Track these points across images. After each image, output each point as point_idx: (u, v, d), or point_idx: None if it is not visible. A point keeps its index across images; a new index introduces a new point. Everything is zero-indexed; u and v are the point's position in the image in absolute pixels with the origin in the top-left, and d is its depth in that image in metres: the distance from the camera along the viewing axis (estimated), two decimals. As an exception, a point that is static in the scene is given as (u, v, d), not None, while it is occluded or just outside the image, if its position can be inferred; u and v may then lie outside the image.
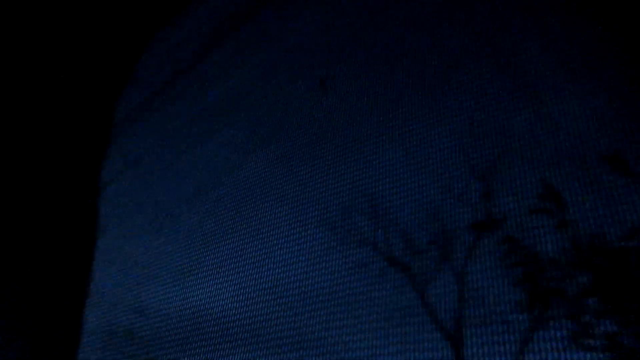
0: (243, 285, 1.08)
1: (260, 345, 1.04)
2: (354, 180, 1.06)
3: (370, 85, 1.07)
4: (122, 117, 1.24)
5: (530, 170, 1.00)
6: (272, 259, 1.07)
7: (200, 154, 1.15)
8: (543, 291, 0.93)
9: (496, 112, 1.03)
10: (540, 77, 1.02)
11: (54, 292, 1.14)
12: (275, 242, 1.07)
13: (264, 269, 1.08)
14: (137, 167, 1.20)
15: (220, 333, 1.07)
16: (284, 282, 1.05)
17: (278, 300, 1.04)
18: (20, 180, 1.09)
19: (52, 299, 1.14)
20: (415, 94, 1.07)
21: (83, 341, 1.18)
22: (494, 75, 1.03)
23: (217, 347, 1.06)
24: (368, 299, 1.01)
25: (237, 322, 1.06)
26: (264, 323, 1.05)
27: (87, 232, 1.16)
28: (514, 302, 0.93)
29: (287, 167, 1.09)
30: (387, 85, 1.07)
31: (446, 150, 1.04)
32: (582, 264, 0.91)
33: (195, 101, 1.16)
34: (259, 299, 1.06)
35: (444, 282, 1.01)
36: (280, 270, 1.06)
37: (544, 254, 0.94)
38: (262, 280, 1.07)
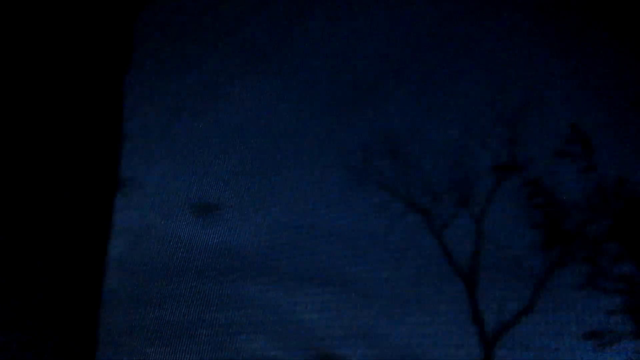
0: (262, 222, 1.09)
1: (277, 279, 1.04)
2: (375, 122, 1.05)
3: (391, 25, 1.05)
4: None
5: (558, 115, 0.96)
6: (292, 198, 1.07)
7: (222, 97, 1.16)
8: (562, 234, 0.90)
9: (524, 55, 1.00)
10: (572, 21, 0.98)
11: (76, 226, 1.17)
12: (295, 181, 1.07)
13: (283, 208, 1.08)
14: (156, 105, 1.22)
15: (240, 266, 1.08)
16: (302, 221, 1.05)
17: (296, 238, 1.05)
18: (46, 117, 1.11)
19: (75, 233, 1.17)
20: (439, 37, 1.05)
21: (108, 272, 1.22)
22: (522, 18, 1.00)
23: (237, 279, 1.07)
24: (385, 240, 1.00)
25: (256, 257, 1.07)
26: (282, 260, 1.05)
27: (108, 168, 1.19)
28: (531, 245, 0.91)
29: (308, 108, 1.09)
30: (409, 29, 1.05)
31: (470, 94, 1.02)
32: (604, 209, 0.88)
33: (217, 42, 1.16)
34: (277, 237, 1.06)
35: (462, 225, 0.99)
36: (299, 210, 1.07)
37: (566, 198, 0.91)
38: (280, 219, 1.08)
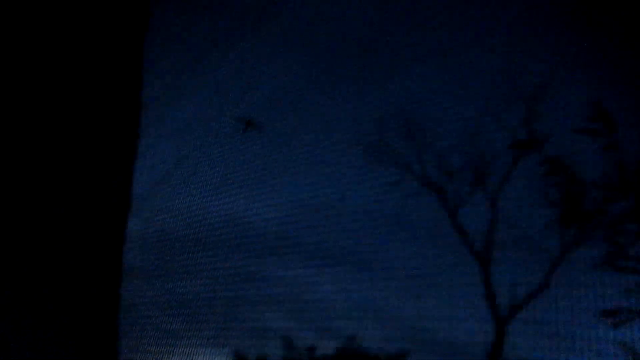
0: (277, 199, 1.09)
1: (291, 255, 1.05)
2: (390, 99, 1.03)
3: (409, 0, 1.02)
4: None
5: (578, 92, 0.93)
6: (307, 175, 1.07)
7: (231, 65, 1.15)
8: (580, 213, 0.88)
9: (544, 31, 0.97)
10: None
11: (95, 201, 1.18)
12: (310, 158, 1.07)
13: (297, 185, 1.08)
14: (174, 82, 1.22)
15: (254, 242, 1.08)
16: (317, 198, 1.05)
17: (310, 215, 1.04)
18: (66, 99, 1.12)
19: (94, 209, 1.18)
20: (457, 13, 1.02)
21: (126, 246, 1.24)
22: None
23: (251, 255, 1.08)
24: (399, 217, 0.99)
25: (270, 234, 1.07)
26: (297, 237, 1.05)
27: (128, 140, 1.19)
28: (548, 224, 0.89)
29: (324, 84, 1.07)
30: (428, 3, 1.02)
31: (489, 71, 0.99)
32: (624, 188, 0.85)
33: (226, 9, 1.15)
34: (291, 213, 1.06)
35: (476, 204, 0.97)
36: (314, 187, 1.06)
37: (585, 176, 0.89)
38: (295, 195, 1.07)
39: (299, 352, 0.98)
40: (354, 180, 1.02)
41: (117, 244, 1.25)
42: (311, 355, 0.97)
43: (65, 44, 1.07)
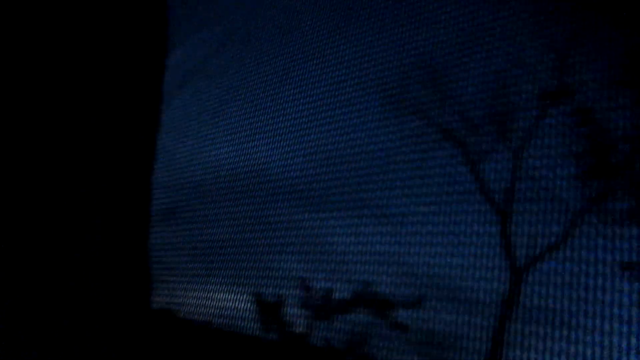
0: (297, 147, 1.07)
1: (309, 204, 1.04)
2: (414, 47, 0.99)
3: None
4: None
5: (612, 42, 0.88)
6: (327, 123, 1.05)
7: (260, 19, 1.12)
8: (606, 167, 0.84)
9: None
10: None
11: (122, 157, 1.18)
12: (330, 106, 1.04)
13: (317, 133, 1.06)
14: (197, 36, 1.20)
15: (273, 190, 1.08)
16: (337, 146, 1.03)
17: (330, 163, 1.03)
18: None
19: (121, 161, 1.19)
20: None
21: (154, 193, 1.25)
22: None
23: (270, 202, 1.08)
24: (419, 168, 0.97)
25: (289, 182, 1.07)
26: (315, 185, 1.04)
27: (153, 92, 1.19)
28: (572, 177, 0.85)
29: (346, 31, 1.04)
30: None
31: (518, 18, 0.93)
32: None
33: None
34: (311, 162, 1.05)
35: (499, 156, 0.94)
36: (333, 135, 1.04)
37: (616, 129, 0.84)
38: (315, 144, 1.06)
39: (315, 295, 0.99)
40: (375, 129, 1.00)
41: (145, 191, 1.27)
42: (327, 298, 0.97)
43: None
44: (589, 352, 0.67)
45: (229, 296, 1.07)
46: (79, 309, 1.05)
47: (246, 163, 1.13)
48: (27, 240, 1.05)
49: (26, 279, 1.00)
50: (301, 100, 1.07)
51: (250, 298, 1.05)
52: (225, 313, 1.06)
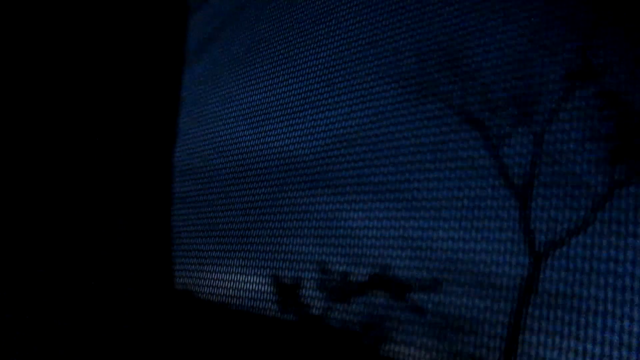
0: (316, 130, 1.06)
1: (329, 187, 1.03)
2: (433, 28, 0.96)
3: None
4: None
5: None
6: (345, 106, 1.03)
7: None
8: (632, 149, 0.80)
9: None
10: None
11: (143, 135, 1.18)
12: (348, 89, 1.02)
13: (336, 116, 1.04)
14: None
15: (292, 174, 1.07)
16: (356, 129, 1.01)
17: (349, 146, 1.01)
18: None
19: (141, 140, 1.19)
20: None
21: (175, 177, 1.26)
22: None
23: (290, 186, 1.07)
24: (437, 151, 0.95)
25: (308, 165, 1.05)
26: (334, 168, 1.03)
27: (172, 74, 1.18)
28: (595, 161, 0.82)
29: (363, 12, 1.01)
30: None
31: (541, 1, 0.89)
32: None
33: None
34: (330, 145, 1.04)
35: (520, 140, 0.91)
36: (352, 118, 1.02)
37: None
38: (334, 127, 1.04)
39: (332, 277, 0.98)
40: (393, 112, 0.98)
41: (166, 174, 1.27)
42: (344, 281, 0.97)
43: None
44: (609, 339, 0.65)
45: (247, 278, 1.08)
46: (106, 290, 1.06)
47: (264, 146, 1.12)
48: (53, 224, 1.06)
49: (52, 262, 1.01)
50: (319, 83, 1.05)
51: (268, 280, 1.05)
52: (244, 294, 1.07)
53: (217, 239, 1.22)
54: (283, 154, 1.07)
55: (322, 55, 1.05)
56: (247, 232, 1.12)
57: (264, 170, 1.10)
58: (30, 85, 1.01)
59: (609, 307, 0.66)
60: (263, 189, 1.10)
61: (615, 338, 0.65)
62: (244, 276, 1.09)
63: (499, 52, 0.95)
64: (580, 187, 0.82)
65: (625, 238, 0.71)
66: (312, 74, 1.07)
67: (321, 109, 1.05)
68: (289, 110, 1.09)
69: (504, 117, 0.93)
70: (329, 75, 1.04)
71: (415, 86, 0.99)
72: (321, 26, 1.04)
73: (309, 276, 1.00)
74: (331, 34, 1.05)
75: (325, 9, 1.04)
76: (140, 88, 1.19)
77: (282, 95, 1.10)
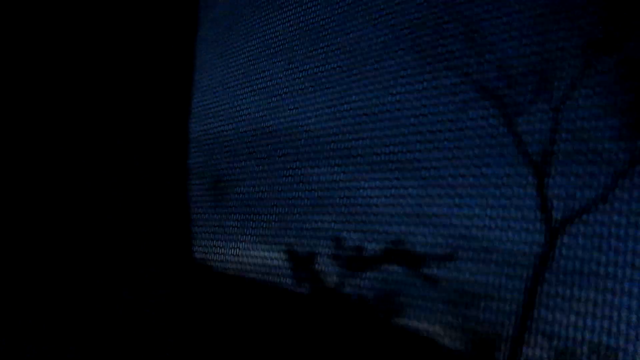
0: (329, 104, 1.04)
1: (343, 161, 1.01)
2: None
3: None
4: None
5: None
6: (359, 80, 1.00)
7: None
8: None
9: None
10: None
11: (158, 107, 1.17)
12: (362, 62, 0.99)
13: (349, 90, 1.02)
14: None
15: (306, 149, 1.06)
16: (369, 102, 0.99)
17: (363, 120, 0.99)
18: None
19: (157, 113, 1.17)
20: None
21: (191, 152, 1.25)
22: None
23: (304, 161, 1.06)
24: (453, 124, 0.92)
25: (322, 140, 1.04)
26: (348, 142, 1.01)
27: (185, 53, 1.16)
28: (616, 132, 0.78)
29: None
30: None
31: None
32: None
33: None
34: (344, 119, 1.01)
35: (538, 112, 0.88)
36: (366, 91, 0.99)
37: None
38: (347, 101, 1.01)
39: (347, 251, 0.98)
40: (409, 86, 0.95)
41: (183, 148, 1.26)
42: (359, 255, 0.96)
43: None
44: (624, 316, 0.63)
45: (263, 251, 1.08)
46: (124, 264, 1.07)
47: (280, 120, 1.11)
48: (72, 197, 1.06)
49: (72, 235, 1.02)
50: (334, 57, 1.02)
51: (283, 253, 1.05)
52: (259, 267, 1.07)
53: (232, 211, 1.22)
54: (299, 128, 1.06)
55: (338, 29, 1.01)
56: (262, 206, 1.12)
57: (280, 144, 1.09)
58: (39, 57, 1.00)
59: (626, 285, 0.65)
60: (279, 164, 1.09)
61: (626, 315, 0.64)
62: (259, 249, 1.09)
63: (517, 22, 0.90)
64: (599, 161, 0.79)
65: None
66: (328, 48, 1.04)
67: (338, 82, 1.02)
68: (304, 84, 1.07)
69: (521, 90, 0.89)
70: (346, 49, 1.00)
71: (430, 58, 0.95)
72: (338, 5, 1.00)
73: (324, 250, 0.99)
74: (346, 6, 1.01)
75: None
76: (155, 60, 1.17)
77: (298, 70, 1.08)
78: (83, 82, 1.07)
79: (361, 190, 0.99)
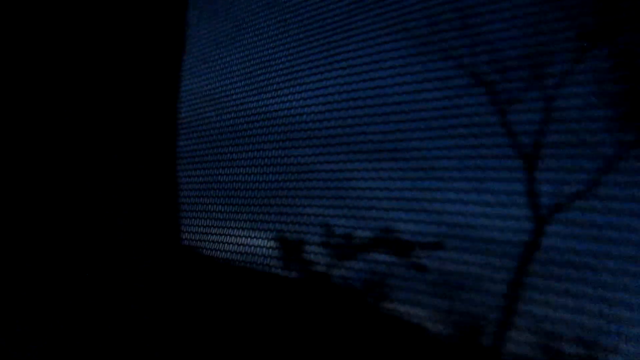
0: (320, 90, 1.02)
1: (335, 148, 1.00)
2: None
3: None
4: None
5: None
6: (351, 66, 0.98)
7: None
8: (643, 113, 0.76)
9: None
10: None
11: (148, 93, 1.14)
12: (354, 48, 0.98)
13: (342, 76, 1.00)
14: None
15: (297, 134, 1.04)
16: (362, 89, 0.97)
17: (355, 106, 0.98)
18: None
19: (147, 99, 1.15)
20: None
21: (180, 136, 1.23)
22: None
23: (295, 146, 1.04)
24: (444, 112, 0.91)
25: (314, 125, 1.02)
26: (340, 129, 1.00)
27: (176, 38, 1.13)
28: (607, 122, 0.78)
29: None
30: None
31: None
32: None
33: None
34: (336, 105, 1.00)
35: (530, 102, 0.87)
36: (358, 78, 0.98)
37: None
38: (339, 87, 1.00)
39: (337, 238, 0.97)
40: (401, 73, 0.93)
41: (171, 132, 1.24)
42: (348, 242, 0.96)
43: None
44: (606, 309, 0.64)
45: (252, 236, 1.07)
46: (113, 248, 1.05)
47: (270, 106, 1.09)
48: (68, 187, 1.04)
49: (61, 221, 1.00)
50: (326, 45, 1.01)
51: (273, 239, 1.04)
52: (248, 251, 1.06)
53: (220, 196, 1.20)
54: (288, 113, 1.04)
55: (327, 11, 1.00)
56: (251, 191, 1.10)
57: (269, 129, 1.07)
58: (33, 47, 0.97)
59: (610, 275, 0.65)
60: (269, 151, 1.08)
61: (613, 299, 0.64)
62: (248, 236, 1.08)
63: (509, 11, 0.89)
64: (588, 149, 0.79)
65: (631, 204, 0.68)
66: (317, 31, 1.03)
67: (327, 67, 1.00)
68: (294, 69, 1.05)
69: (513, 79, 0.89)
70: (336, 34, 0.99)
71: (423, 46, 0.94)
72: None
73: (313, 237, 0.99)
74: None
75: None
76: (143, 45, 1.14)
77: (287, 54, 1.06)
78: (69, 68, 1.05)
79: (352, 179, 0.98)
